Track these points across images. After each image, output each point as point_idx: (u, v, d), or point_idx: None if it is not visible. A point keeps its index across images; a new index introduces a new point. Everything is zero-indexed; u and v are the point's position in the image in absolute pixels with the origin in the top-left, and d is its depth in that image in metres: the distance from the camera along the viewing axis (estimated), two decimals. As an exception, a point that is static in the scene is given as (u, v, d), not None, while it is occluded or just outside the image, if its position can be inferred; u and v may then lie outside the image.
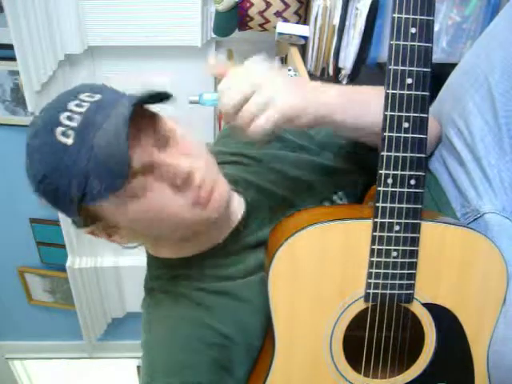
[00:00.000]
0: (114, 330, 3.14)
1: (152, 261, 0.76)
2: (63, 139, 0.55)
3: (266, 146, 0.80)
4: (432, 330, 0.61)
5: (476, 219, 0.71)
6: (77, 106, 0.57)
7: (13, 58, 1.96)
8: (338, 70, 1.75)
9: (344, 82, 1.76)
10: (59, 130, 0.56)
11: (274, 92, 0.57)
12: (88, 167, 0.54)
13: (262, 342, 0.67)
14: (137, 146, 0.58)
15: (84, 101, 0.57)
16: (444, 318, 0.61)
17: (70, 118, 0.56)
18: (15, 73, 2.15)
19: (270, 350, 0.62)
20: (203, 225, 0.66)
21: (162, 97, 0.61)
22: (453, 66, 0.84)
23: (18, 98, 2.27)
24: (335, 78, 1.77)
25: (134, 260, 2.55)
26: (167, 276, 0.72)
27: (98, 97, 0.58)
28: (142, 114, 0.60)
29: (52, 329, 3.17)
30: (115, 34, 2.05)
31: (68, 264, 2.64)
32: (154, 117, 0.62)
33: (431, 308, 0.61)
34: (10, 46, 1.91)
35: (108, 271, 2.76)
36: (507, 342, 0.66)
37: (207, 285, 0.69)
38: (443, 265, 0.59)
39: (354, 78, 1.75)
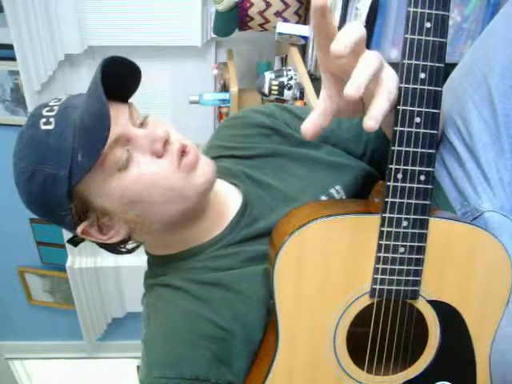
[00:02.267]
0: (114, 330, 3.14)
1: (151, 259, 0.76)
2: (45, 127, 0.60)
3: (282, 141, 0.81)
4: (436, 326, 0.61)
5: (475, 218, 0.71)
6: (56, 101, 0.64)
7: (13, 58, 1.96)
8: (337, 69, 1.75)
9: (344, 81, 1.75)
10: (42, 121, 0.61)
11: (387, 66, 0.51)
12: (73, 142, 0.58)
13: (262, 334, 0.67)
14: (113, 122, 0.60)
15: (62, 98, 0.65)
16: (448, 315, 0.61)
17: (50, 110, 0.62)
18: (15, 73, 2.15)
19: (273, 344, 0.62)
20: (197, 197, 0.66)
21: (131, 72, 0.65)
22: (453, 65, 0.84)
23: (18, 98, 2.27)
24: (335, 78, 1.77)
25: (133, 260, 2.56)
26: (166, 272, 0.72)
27: (74, 94, 0.65)
28: (118, 103, 0.65)
29: (52, 329, 3.17)
30: (115, 34, 2.05)
31: (68, 264, 2.65)
32: (129, 104, 0.66)
33: (436, 305, 0.60)
34: (10, 46, 1.91)
35: (108, 271, 2.76)
36: (509, 339, 0.66)
37: (205, 276, 0.69)
38: (449, 262, 0.59)
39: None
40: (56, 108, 0.62)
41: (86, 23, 2.02)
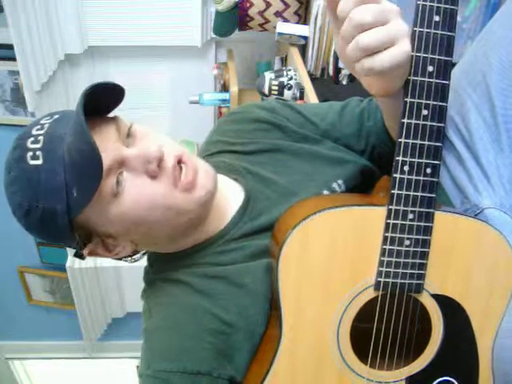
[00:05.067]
0: (114, 329, 3.14)
1: (153, 255, 0.76)
2: (34, 162, 0.58)
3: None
4: (439, 321, 0.61)
5: (476, 215, 0.71)
6: (38, 129, 0.60)
7: (13, 58, 1.96)
8: (337, 69, 1.75)
9: (344, 81, 1.76)
10: (28, 155, 0.58)
11: (402, 28, 0.51)
12: (66, 178, 0.56)
13: (265, 328, 0.67)
14: (103, 146, 0.58)
15: (44, 123, 0.61)
16: (452, 309, 0.61)
17: (34, 142, 0.59)
18: (15, 73, 2.16)
19: (275, 338, 0.61)
20: (201, 209, 0.66)
21: (113, 89, 0.62)
22: (452, 65, 0.84)
23: (18, 98, 2.27)
24: (335, 78, 1.77)
25: (133, 260, 2.55)
26: (168, 267, 0.72)
27: (56, 116, 0.61)
28: (103, 119, 0.63)
29: (52, 329, 3.17)
30: (115, 34, 2.05)
31: (68, 264, 2.64)
32: (114, 119, 0.64)
33: (440, 299, 0.60)
34: (10, 46, 1.91)
35: (108, 271, 2.76)
36: (511, 334, 0.66)
37: (208, 270, 0.69)
38: (453, 256, 0.59)
39: (354, 79, 1.75)
40: (41, 139, 0.59)
41: (86, 23, 2.02)
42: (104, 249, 0.67)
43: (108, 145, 0.60)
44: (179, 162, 0.64)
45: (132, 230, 0.64)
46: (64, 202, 0.57)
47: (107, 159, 0.58)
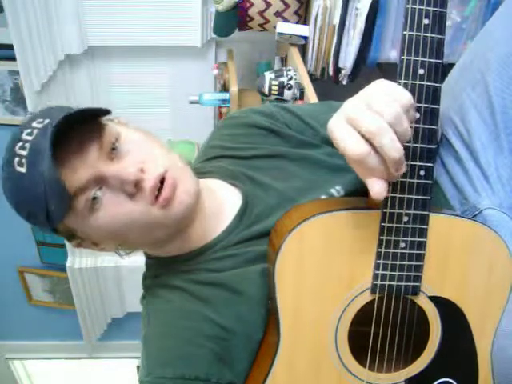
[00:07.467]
0: (114, 330, 3.14)
1: (150, 260, 0.76)
2: (19, 168, 0.59)
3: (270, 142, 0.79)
4: (437, 323, 0.61)
5: (475, 216, 0.72)
6: (28, 134, 0.60)
7: (13, 58, 1.96)
8: (338, 70, 1.75)
9: (344, 81, 1.76)
10: (16, 160, 0.60)
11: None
12: (46, 191, 0.58)
13: (262, 334, 0.67)
14: (81, 163, 0.60)
15: (34, 128, 0.60)
16: (449, 311, 0.61)
17: (22, 148, 0.60)
18: (15, 73, 2.15)
19: (274, 343, 0.62)
20: (180, 222, 0.67)
21: (96, 113, 0.62)
22: (452, 66, 0.84)
23: (18, 98, 2.27)
24: (335, 78, 1.77)
25: (133, 260, 2.55)
26: (165, 273, 0.72)
27: (46, 121, 0.60)
28: (89, 128, 0.62)
29: (52, 329, 3.17)
30: (115, 34, 2.05)
31: (68, 264, 2.65)
32: (101, 130, 0.63)
33: (437, 301, 0.61)
34: (10, 46, 1.92)
35: (108, 271, 2.76)
36: (510, 336, 0.66)
37: (205, 277, 0.69)
38: (450, 257, 0.60)
39: (354, 78, 1.75)
40: (27, 146, 0.59)
41: (86, 23, 2.02)
42: (90, 243, 0.69)
43: (87, 161, 0.61)
44: (162, 180, 0.63)
45: (110, 239, 0.67)
46: (44, 211, 0.59)
47: (83, 176, 0.60)
